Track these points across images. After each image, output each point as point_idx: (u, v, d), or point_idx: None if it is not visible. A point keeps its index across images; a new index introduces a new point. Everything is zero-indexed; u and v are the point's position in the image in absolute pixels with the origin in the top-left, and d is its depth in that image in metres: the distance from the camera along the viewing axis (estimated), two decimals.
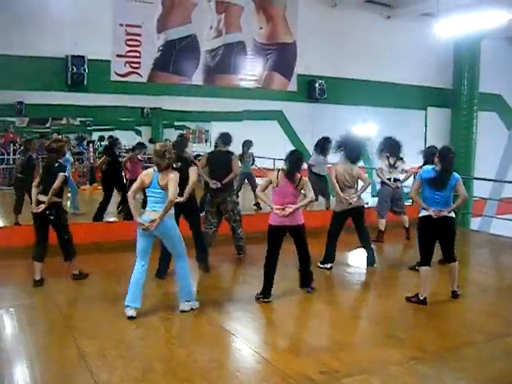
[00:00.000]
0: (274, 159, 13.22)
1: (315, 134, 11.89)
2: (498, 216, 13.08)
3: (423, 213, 6.82)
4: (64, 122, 20.11)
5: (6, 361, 5.07)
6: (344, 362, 5.09)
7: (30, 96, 12.00)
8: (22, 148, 11.38)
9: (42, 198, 7.27)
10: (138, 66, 9.93)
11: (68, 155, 12.55)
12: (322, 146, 11.40)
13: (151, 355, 5.20)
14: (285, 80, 11.49)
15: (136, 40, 9.85)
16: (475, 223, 13.47)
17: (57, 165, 7.45)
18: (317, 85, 11.79)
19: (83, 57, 9.41)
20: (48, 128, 19.77)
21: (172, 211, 6.25)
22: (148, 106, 16.42)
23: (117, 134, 18.63)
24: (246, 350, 5.51)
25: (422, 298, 6.79)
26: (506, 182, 14.21)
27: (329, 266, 8.46)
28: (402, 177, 10.16)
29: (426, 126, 13.73)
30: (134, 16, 9.81)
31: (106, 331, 5.84)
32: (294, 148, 7.45)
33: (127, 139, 18.91)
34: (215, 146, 9.27)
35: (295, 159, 6.97)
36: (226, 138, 8.76)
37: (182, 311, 6.31)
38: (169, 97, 11.65)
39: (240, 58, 10.97)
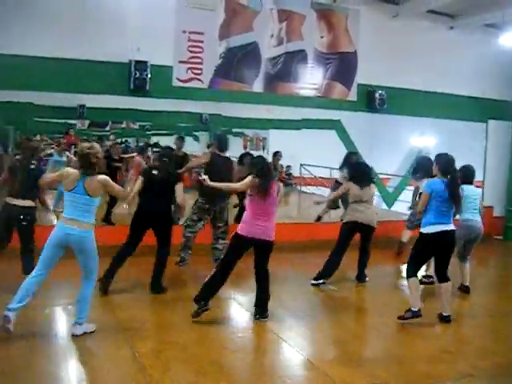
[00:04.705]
0: (331, 168, 13.19)
1: (373, 145, 11.80)
2: None
3: (433, 229, 6.42)
4: (124, 125, 20.38)
5: (60, 359, 5.16)
6: (393, 375, 5.05)
7: (92, 99, 12.21)
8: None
9: None
10: (199, 72, 10.07)
11: None
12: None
13: (205, 358, 5.24)
14: (345, 89, 11.47)
15: (198, 47, 9.99)
16: None
17: None
18: (377, 95, 11.66)
19: (146, 62, 9.52)
20: (107, 131, 20.07)
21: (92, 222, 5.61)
22: (207, 112, 16.52)
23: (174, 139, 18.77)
24: (297, 357, 5.51)
25: (415, 310, 6.53)
26: None
27: (321, 281, 8.08)
28: None
29: (486, 140, 13.49)
30: (197, 23, 9.96)
31: (160, 333, 5.93)
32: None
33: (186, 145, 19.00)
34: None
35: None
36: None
37: (76, 335, 5.61)
38: (229, 103, 11.72)
39: (300, 67, 11.01)
